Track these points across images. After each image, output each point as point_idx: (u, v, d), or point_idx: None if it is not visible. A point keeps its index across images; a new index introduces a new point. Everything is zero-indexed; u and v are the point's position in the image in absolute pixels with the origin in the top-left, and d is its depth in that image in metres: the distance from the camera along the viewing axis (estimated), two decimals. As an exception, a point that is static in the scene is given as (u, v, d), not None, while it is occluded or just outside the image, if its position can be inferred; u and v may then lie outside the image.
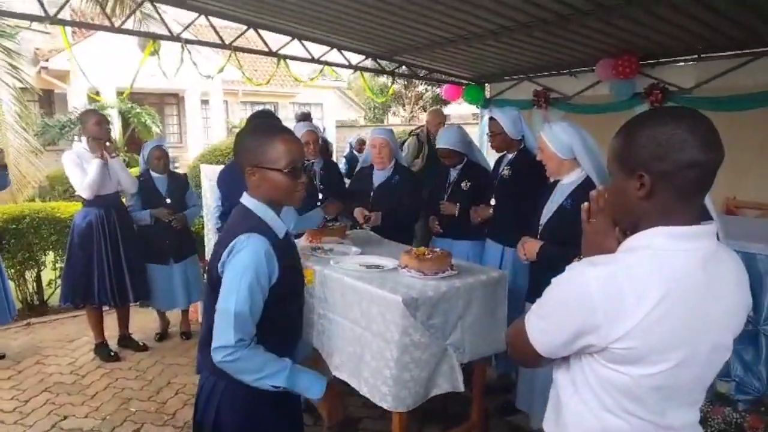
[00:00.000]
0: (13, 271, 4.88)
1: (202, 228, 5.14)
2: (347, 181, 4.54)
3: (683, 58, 4.95)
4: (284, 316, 1.65)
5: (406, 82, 18.93)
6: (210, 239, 4.82)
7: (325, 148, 6.25)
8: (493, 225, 3.50)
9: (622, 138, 1.11)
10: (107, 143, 3.86)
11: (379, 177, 3.81)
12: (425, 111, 22.67)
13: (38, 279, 5.14)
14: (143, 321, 4.62)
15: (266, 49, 5.79)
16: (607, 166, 1.19)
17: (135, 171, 4.31)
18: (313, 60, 6.03)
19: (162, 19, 5.24)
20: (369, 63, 6.78)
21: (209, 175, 4.95)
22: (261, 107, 14.38)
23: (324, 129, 6.96)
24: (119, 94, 13.37)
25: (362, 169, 4.00)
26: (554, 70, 5.82)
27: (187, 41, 5.23)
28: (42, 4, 4.30)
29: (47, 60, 13.81)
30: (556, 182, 2.70)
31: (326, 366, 2.19)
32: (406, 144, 5.74)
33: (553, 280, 1.14)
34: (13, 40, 8.22)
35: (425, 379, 2.36)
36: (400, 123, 22.14)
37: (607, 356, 1.07)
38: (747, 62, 4.40)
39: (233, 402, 1.59)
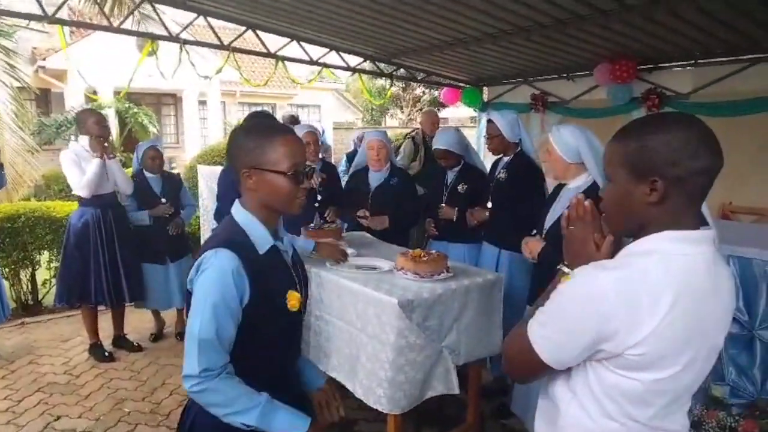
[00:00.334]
0: (7, 270, 4.86)
1: (199, 228, 5.14)
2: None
3: (680, 63, 4.97)
4: (265, 340, 1.46)
5: (404, 85, 18.97)
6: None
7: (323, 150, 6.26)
8: (489, 228, 3.51)
9: (632, 143, 1.09)
10: (106, 143, 3.86)
11: (375, 178, 3.81)
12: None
13: (33, 278, 5.12)
14: (138, 321, 4.60)
15: (264, 51, 5.79)
16: (606, 170, 1.18)
17: (130, 171, 4.29)
18: (311, 62, 6.04)
19: (161, 19, 5.24)
20: (367, 65, 6.79)
21: (206, 176, 4.96)
22: (259, 108, 14.38)
23: (323, 131, 6.94)
24: (116, 93, 13.36)
25: (356, 172, 3.99)
26: (552, 74, 5.84)
27: (186, 42, 5.23)
28: (40, 4, 4.30)
29: (44, 59, 13.78)
30: (561, 185, 2.68)
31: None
32: (402, 147, 5.75)
33: (560, 288, 1.11)
34: (11, 38, 8.21)
35: (420, 381, 2.35)
36: (397, 125, 22.18)
37: (618, 363, 1.05)
38: (744, 68, 4.43)
39: (206, 415, 1.41)
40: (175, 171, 5.06)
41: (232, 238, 1.41)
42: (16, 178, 7.74)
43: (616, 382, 1.07)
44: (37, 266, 5.08)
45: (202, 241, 5.03)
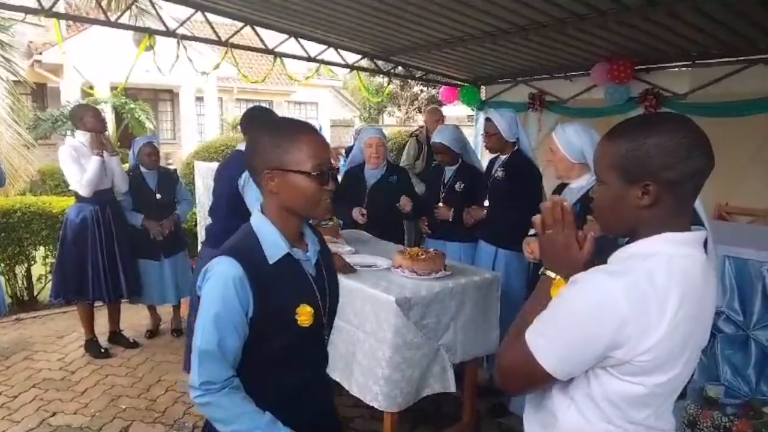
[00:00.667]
0: (2, 265, 4.84)
1: (195, 225, 5.13)
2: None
3: (678, 64, 4.99)
4: (274, 356, 1.36)
5: (401, 83, 18.95)
6: (202, 236, 4.81)
7: None
8: (485, 226, 3.51)
9: (624, 145, 1.06)
10: (107, 142, 3.84)
11: (372, 176, 3.81)
12: (420, 112, 22.69)
13: (28, 274, 5.10)
14: (134, 318, 4.59)
15: (262, 47, 5.77)
16: (596, 172, 1.15)
17: (126, 166, 4.28)
18: (309, 58, 6.02)
19: (158, 14, 5.22)
20: (365, 63, 6.78)
21: (203, 172, 4.94)
22: (256, 105, 14.32)
23: (320, 128, 6.93)
24: (113, 88, 13.31)
25: (351, 170, 3.98)
26: (550, 73, 5.85)
27: (183, 37, 5.21)
28: (37, -2, 4.29)
29: (41, 53, 13.71)
30: (563, 185, 2.65)
31: None
32: (407, 146, 5.77)
33: (563, 295, 1.07)
34: (7, 32, 8.17)
35: (417, 379, 2.36)
36: (395, 123, 22.17)
37: (625, 369, 1.03)
38: (740, 69, 4.45)
39: None
40: (171, 167, 5.04)
41: (239, 244, 1.34)
42: (12, 172, 7.71)
43: (620, 388, 1.05)
44: (32, 262, 5.06)
45: (198, 238, 5.02)
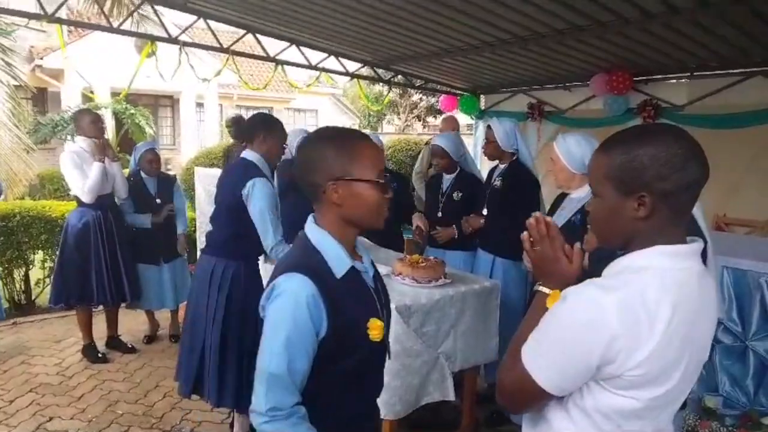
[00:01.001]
0: (1, 269, 4.83)
1: (195, 231, 5.13)
2: None
3: (676, 75, 5.03)
4: (343, 377, 1.29)
5: (401, 91, 19.01)
6: (201, 243, 4.80)
7: None
8: (484, 235, 3.52)
9: (618, 157, 1.06)
10: (109, 148, 3.85)
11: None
12: (420, 120, 22.72)
13: (26, 278, 5.09)
14: (132, 323, 4.58)
15: (264, 54, 5.81)
16: (591, 184, 1.15)
17: (126, 171, 4.29)
18: (310, 66, 6.06)
19: (160, 21, 5.25)
20: (366, 71, 6.82)
21: (203, 178, 4.96)
22: (256, 112, 14.37)
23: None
24: (114, 94, 13.34)
25: None
26: (549, 83, 5.89)
27: (185, 44, 5.24)
28: (40, 3, 4.30)
29: (42, 58, 13.76)
30: (564, 195, 2.65)
31: None
32: (420, 154, 5.85)
33: (554, 311, 1.07)
34: (9, 37, 8.19)
35: (416, 386, 2.36)
36: (394, 131, 22.18)
37: (616, 383, 1.03)
38: (738, 81, 4.49)
39: None
40: (171, 173, 5.05)
41: (306, 260, 1.26)
42: (12, 176, 7.70)
43: (612, 401, 1.04)
44: (31, 266, 5.05)
45: (197, 244, 5.02)
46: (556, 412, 1.13)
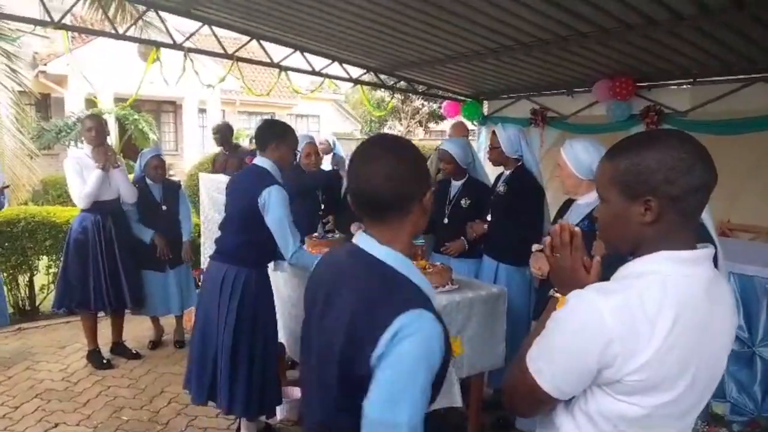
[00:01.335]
0: (5, 275, 4.84)
1: (199, 236, 5.14)
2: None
3: (679, 81, 5.04)
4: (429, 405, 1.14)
5: (403, 97, 19.06)
6: (206, 248, 4.81)
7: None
8: (488, 241, 3.51)
9: (623, 162, 1.07)
10: (109, 154, 3.86)
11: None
12: (422, 126, 22.76)
13: (31, 283, 5.10)
14: (136, 329, 4.58)
15: (268, 60, 5.83)
16: (598, 190, 1.15)
17: (131, 177, 4.30)
18: (314, 72, 6.08)
19: (166, 27, 5.28)
20: (369, 77, 6.84)
21: (207, 184, 4.97)
22: (259, 118, 14.43)
23: (335, 143, 7.01)
24: (117, 100, 13.39)
25: None
26: (552, 89, 5.91)
27: (190, 50, 5.26)
28: (47, 10, 4.34)
29: (45, 64, 13.83)
30: (570, 200, 2.64)
31: None
32: (429, 159, 5.83)
33: (555, 315, 1.08)
34: (14, 43, 8.23)
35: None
36: (395, 137, 22.23)
37: (617, 388, 1.03)
38: (740, 87, 4.50)
39: None
40: (174, 179, 5.07)
41: (415, 294, 1.11)
42: (15, 181, 7.72)
43: (616, 408, 1.04)
44: (35, 271, 5.06)
45: (202, 249, 5.03)
46: (564, 417, 1.13)
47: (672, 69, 4.71)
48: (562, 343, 1.05)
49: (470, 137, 5.64)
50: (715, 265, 1.21)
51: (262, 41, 5.50)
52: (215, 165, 6.48)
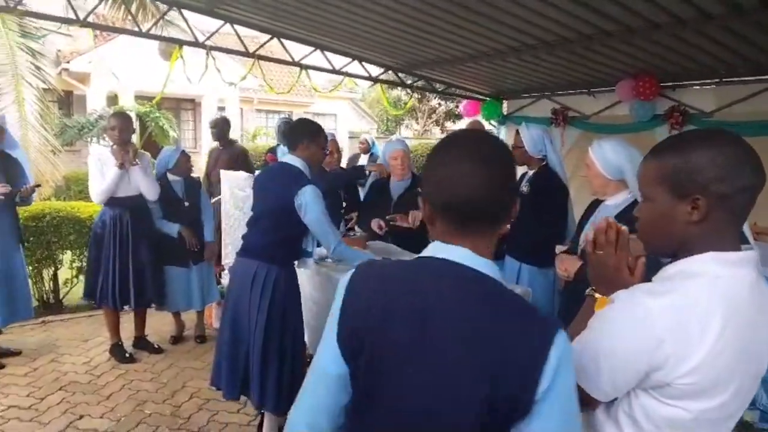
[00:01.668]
0: (30, 268, 4.92)
1: (218, 232, 5.17)
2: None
3: (704, 81, 4.96)
4: None
5: (419, 96, 19.02)
6: (227, 245, 4.84)
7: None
8: (510, 241, 3.49)
9: (672, 159, 1.05)
10: (129, 152, 3.90)
11: (398, 188, 3.83)
12: (438, 125, 22.71)
13: (55, 277, 5.18)
14: (158, 323, 4.64)
15: (289, 59, 5.86)
16: (642, 189, 1.13)
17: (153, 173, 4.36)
18: (334, 71, 6.09)
19: (188, 25, 5.33)
20: (387, 76, 6.83)
21: (230, 181, 4.99)
22: (277, 116, 14.52)
23: (373, 143, 7.01)
24: (137, 97, 13.55)
25: (376, 182, 4.02)
26: (573, 88, 5.85)
27: (212, 48, 5.31)
28: (72, 7, 4.40)
29: (68, 62, 14.03)
30: (597, 201, 2.62)
31: None
32: None
33: (601, 314, 1.06)
34: (39, 41, 8.37)
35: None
36: (412, 137, 22.22)
37: (666, 392, 1.01)
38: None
39: None
40: (194, 175, 5.12)
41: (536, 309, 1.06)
42: (39, 176, 7.87)
43: (663, 412, 1.02)
44: (60, 265, 5.15)
45: (222, 247, 5.06)
46: (605, 421, 1.11)
47: (697, 69, 4.64)
48: (609, 343, 1.03)
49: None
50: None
51: (282, 39, 5.52)
52: (209, 160, 6.52)
